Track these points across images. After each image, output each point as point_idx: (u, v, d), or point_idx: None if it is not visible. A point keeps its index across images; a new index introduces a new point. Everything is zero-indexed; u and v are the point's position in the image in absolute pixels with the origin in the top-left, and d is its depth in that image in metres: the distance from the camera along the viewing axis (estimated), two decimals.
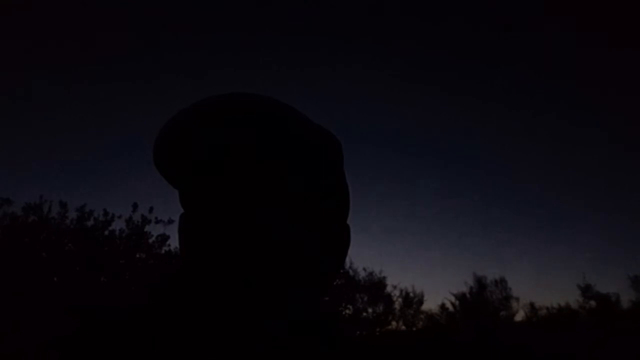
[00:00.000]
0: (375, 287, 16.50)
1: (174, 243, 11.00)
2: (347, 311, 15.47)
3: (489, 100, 25.54)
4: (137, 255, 11.00)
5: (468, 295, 17.28)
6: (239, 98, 0.64)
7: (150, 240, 11.08)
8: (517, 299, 17.35)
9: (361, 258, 17.14)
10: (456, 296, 17.36)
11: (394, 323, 16.91)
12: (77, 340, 0.57)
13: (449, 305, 17.42)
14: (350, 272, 15.83)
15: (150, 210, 11.06)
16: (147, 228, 11.03)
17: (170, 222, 10.82)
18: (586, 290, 16.61)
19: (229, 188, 0.59)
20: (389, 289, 16.85)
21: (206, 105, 0.64)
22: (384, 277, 16.78)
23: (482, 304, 17.04)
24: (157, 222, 11.06)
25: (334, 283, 0.69)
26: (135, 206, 11.08)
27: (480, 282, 17.36)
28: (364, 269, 16.58)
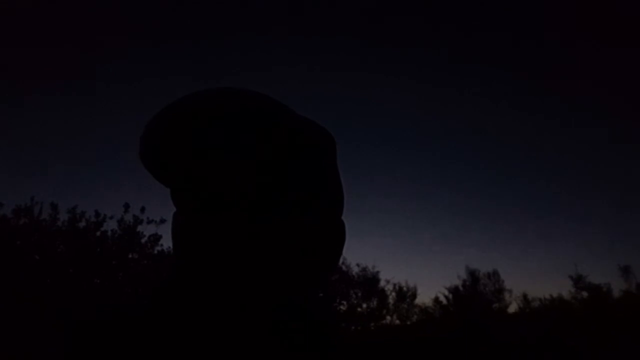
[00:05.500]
0: (369, 282, 16.55)
1: (166, 243, 10.98)
2: (342, 307, 15.51)
3: (485, 99, 25.66)
4: (130, 256, 10.95)
5: (461, 289, 17.38)
6: (231, 94, 0.64)
7: (143, 241, 11.04)
8: (510, 291, 17.48)
9: (354, 253, 17.16)
10: (449, 289, 17.46)
11: (388, 317, 16.99)
12: (85, 339, 0.56)
13: (442, 298, 17.53)
14: (344, 268, 15.86)
15: (142, 210, 11.02)
16: (139, 228, 11.00)
17: (162, 221, 10.79)
18: (578, 281, 16.75)
19: (222, 187, 0.59)
20: (382, 283, 16.93)
21: (195, 101, 0.63)
22: (378, 272, 16.85)
23: (475, 296, 17.13)
24: (149, 222, 11.02)
25: (329, 279, 0.69)
26: (126, 207, 11.03)
27: (473, 275, 17.46)
28: (357, 265, 16.64)
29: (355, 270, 16.45)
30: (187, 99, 0.63)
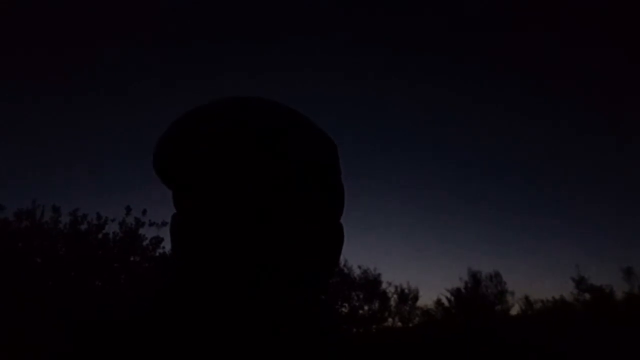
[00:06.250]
0: (371, 284, 16.55)
1: (168, 245, 10.93)
2: (343, 309, 15.50)
3: (485, 101, 25.67)
4: (132, 258, 10.96)
5: (463, 291, 17.37)
6: (238, 104, 0.65)
7: (144, 243, 11.05)
8: (512, 293, 17.47)
9: (356, 256, 17.17)
10: (451, 292, 17.45)
11: (390, 320, 16.98)
12: (86, 339, 0.57)
13: (444, 300, 17.52)
14: (345, 270, 15.87)
15: (144, 212, 11.03)
16: (140, 231, 11.01)
17: (164, 224, 10.78)
18: (580, 283, 16.74)
19: (226, 191, 0.60)
20: (384, 285, 16.92)
21: (203, 111, 0.65)
22: (379, 275, 16.84)
23: (477, 298, 17.13)
24: (151, 224, 11.04)
25: (330, 281, 0.69)
26: (128, 209, 11.04)
27: (475, 277, 17.46)
28: (359, 267, 16.64)
29: (356, 272, 16.47)
30: (197, 109, 0.66)
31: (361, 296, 16.34)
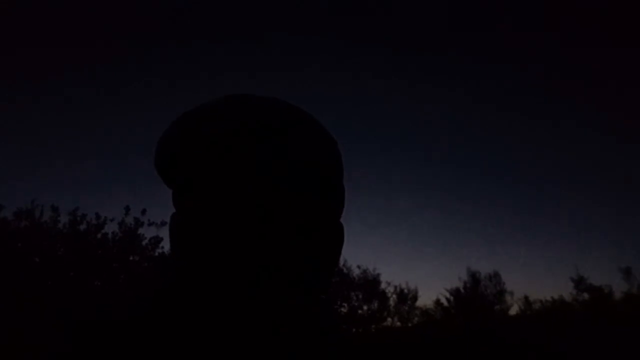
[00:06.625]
0: (370, 284, 16.54)
1: (167, 245, 10.95)
2: (343, 309, 15.50)
3: (485, 101, 25.65)
4: (131, 258, 10.96)
5: (462, 290, 17.37)
6: (238, 103, 0.65)
7: (144, 243, 11.05)
8: (511, 293, 17.46)
9: (355, 256, 17.16)
10: (450, 291, 17.45)
11: (389, 320, 16.98)
12: (85, 339, 0.57)
13: (443, 300, 17.51)
14: (344, 270, 15.87)
15: (143, 212, 11.03)
16: (140, 231, 11.01)
17: (163, 224, 10.80)
18: (579, 283, 16.74)
19: (227, 191, 0.60)
20: (383, 285, 16.91)
21: (208, 109, 0.65)
22: (378, 274, 16.83)
23: (476, 298, 17.12)
24: (150, 224, 11.04)
25: (330, 280, 0.69)
26: (127, 209, 11.04)
27: (474, 277, 17.45)
28: (358, 267, 16.62)
29: (356, 272, 16.46)
30: (198, 109, 0.66)
31: (360, 296, 16.33)
